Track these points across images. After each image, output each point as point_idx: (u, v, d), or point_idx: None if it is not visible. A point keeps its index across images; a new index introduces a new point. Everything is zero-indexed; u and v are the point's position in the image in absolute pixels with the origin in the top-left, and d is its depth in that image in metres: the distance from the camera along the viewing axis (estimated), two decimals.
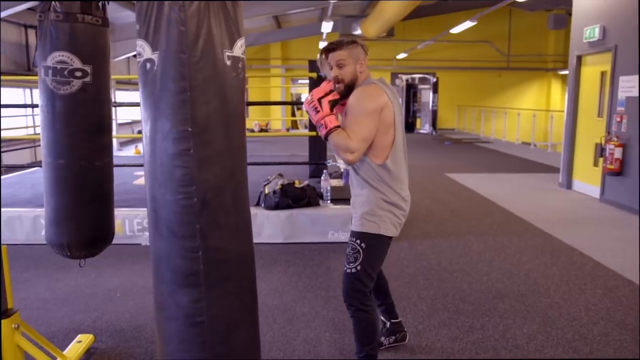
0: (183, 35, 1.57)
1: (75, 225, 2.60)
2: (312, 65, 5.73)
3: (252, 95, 20.22)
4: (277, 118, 20.02)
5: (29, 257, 4.46)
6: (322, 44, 17.02)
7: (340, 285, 3.73)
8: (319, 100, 2.31)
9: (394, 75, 20.71)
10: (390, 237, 2.40)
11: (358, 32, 15.78)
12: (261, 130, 17.63)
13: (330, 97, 2.32)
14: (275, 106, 20.95)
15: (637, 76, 6.05)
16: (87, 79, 2.51)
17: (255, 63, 20.75)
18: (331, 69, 2.38)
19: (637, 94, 6.04)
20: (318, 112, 2.29)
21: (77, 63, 2.48)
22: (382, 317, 2.88)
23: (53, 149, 2.53)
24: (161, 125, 1.58)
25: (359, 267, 2.36)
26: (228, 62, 1.65)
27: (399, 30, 17.04)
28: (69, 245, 2.61)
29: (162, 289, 1.66)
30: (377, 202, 2.34)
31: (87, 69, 2.50)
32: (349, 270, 2.39)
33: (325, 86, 2.36)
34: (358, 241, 2.36)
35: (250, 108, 21.02)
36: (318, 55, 2.45)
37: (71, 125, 2.51)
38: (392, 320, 2.88)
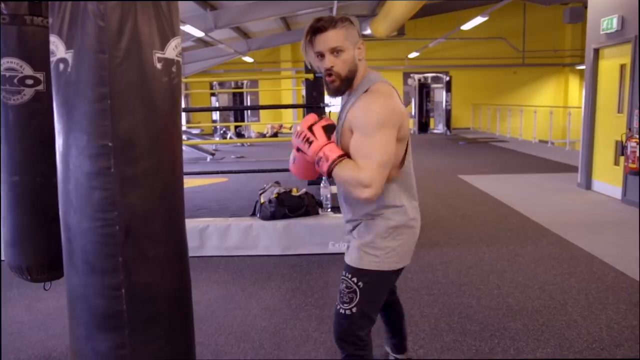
0: (103, 32, 1.30)
1: (35, 247, 2.38)
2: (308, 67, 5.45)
3: (263, 99, 20.04)
4: (289, 122, 19.78)
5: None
6: None
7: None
8: (310, 128, 1.74)
9: (406, 75, 20.34)
10: (399, 270, 1.94)
11: (368, 32, 15.47)
12: (274, 135, 17.43)
13: (323, 122, 1.76)
14: (287, 109, 20.72)
15: None
16: (40, 87, 2.27)
17: (266, 66, 20.55)
18: (320, 57, 1.76)
19: None
20: (311, 142, 1.71)
21: (27, 70, 2.24)
22: (387, 348, 2.52)
23: (6, 165, 2.31)
24: (75, 138, 1.31)
25: (354, 310, 1.87)
26: (158, 65, 1.38)
27: (409, 29, 16.70)
28: (29, 268, 2.39)
29: (78, 333, 1.39)
30: (380, 230, 1.84)
31: (40, 76, 2.26)
32: (342, 311, 1.90)
33: (312, 116, 1.81)
34: (354, 279, 1.86)
35: (262, 112, 20.86)
36: (303, 40, 1.80)
37: (25, 138, 2.29)
38: (398, 357, 2.47)
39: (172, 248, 1.45)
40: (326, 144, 1.71)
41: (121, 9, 1.31)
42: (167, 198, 1.42)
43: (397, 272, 1.94)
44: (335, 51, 1.74)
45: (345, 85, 1.80)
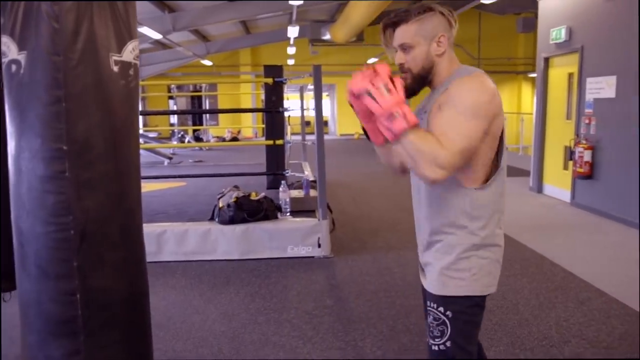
0: (57, 34, 1.28)
1: None
2: (268, 70, 5.46)
3: (222, 102, 19.87)
4: (248, 126, 19.69)
5: None
6: (290, 50, 16.79)
7: (297, 306, 3.49)
8: (392, 78, 1.43)
9: None
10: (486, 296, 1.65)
11: (327, 37, 15.58)
12: (233, 139, 17.31)
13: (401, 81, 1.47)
14: (246, 113, 20.62)
15: (603, 77, 5.92)
16: None
17: (225, 69, 20.41)
18: (397, 52, 1.61)
19: (604, 96, 5.91)
20: (390, 92, 1.40)
21: None
22: None
23: None
24: (28, 141, 1.29)
25: (448, 344, 1.61)
26: (115, 68, 1.37)
27: (368, 35, 16.90)
28: None
29: (30, 340, 1.36)
30: (464, 248, 1.58)
31: None
32: (435, 348, 1.64)
33: (387, 67, 1.47)
34: (441, 309, 1.60)
35: (221, 116, 20.68)
36: (380, 35, 1.66)
37: None
38: None
39: (129, 252, 1.44)
40: (404, 103, 1.42)
41: (77, 10, 1.29)
42: (124, 202, 1.41)
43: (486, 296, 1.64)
44: (404, 48, 1.59)
45: (418, 83, 1.61)
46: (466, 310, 1.60)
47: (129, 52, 1.43)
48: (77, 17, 1.30)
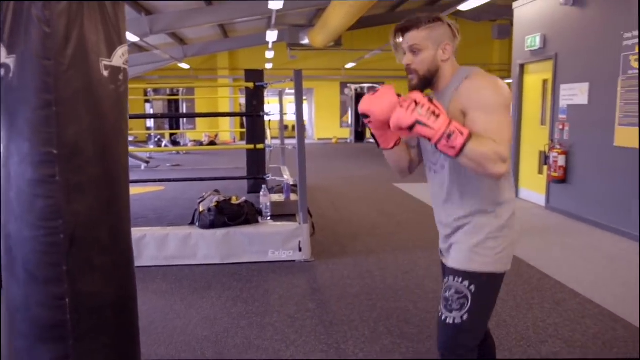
0: (48, 38, 1.29)
1: None
2: (249, 75, 5.47)
3: (199, 106, 19.77)
4: (226, 130, 19.62)
5: None
6: (269, 54, 16.81)
7: (279, 310, 3.51)
8: (431, 100, 1.55)
9: (343, 85, 20.69)
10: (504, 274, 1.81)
11: (306, 41, 15.64)
12: (210, 143, 17.25)
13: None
14: (223, 118, 20.54)
15: (576, 84, 6.08)
16: None
17: (203, 73, 20.31)
18: (405, 54, 1.78)
19: (577, 102, 6.07)
20: (438, 116, 1.52)
21: None
22: None
23: None
24: (17, 145, 1.29)
25: (465, 317, 1.72)
26: (105, 73, 1.38)
27: (346, 40, 17.01)
28: None
29: (18, 345, 1.35)
30: (492, 229, 1.75)
31: None
32: (450, 321, 1.74)
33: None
34: (466, 283, 1.74)
35: (198, 120, 20.56)
36: (391, 38, 1.82)
37: None
38: None
39: (118, 256, 1.45)
40: (454, 120, 1.56)
41: (68, 15, 1.30)
42: (113, 206, 1.42)
43: (504, 275, 1.81)
44: (413, 50, 1.74)
45: (423, 84, 1.77)
46: (487, 287, 1.77)
47: (119, 57, 1.44)
48: (68, 22, 1.30)
